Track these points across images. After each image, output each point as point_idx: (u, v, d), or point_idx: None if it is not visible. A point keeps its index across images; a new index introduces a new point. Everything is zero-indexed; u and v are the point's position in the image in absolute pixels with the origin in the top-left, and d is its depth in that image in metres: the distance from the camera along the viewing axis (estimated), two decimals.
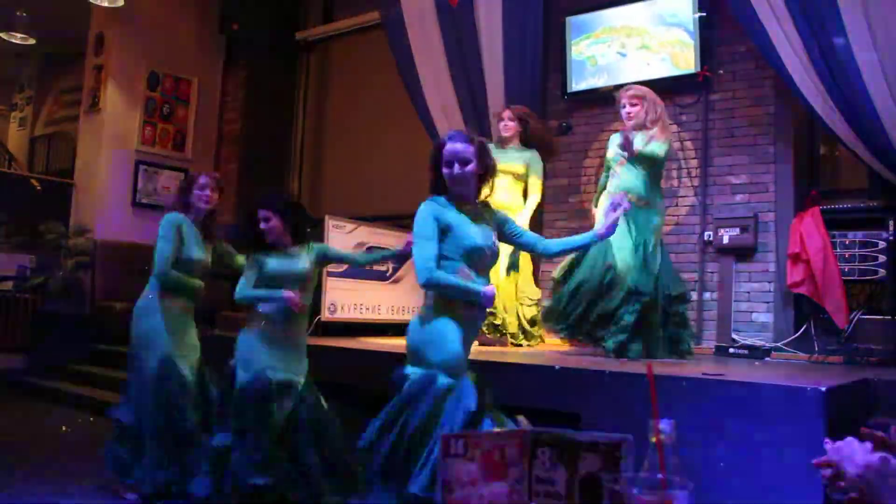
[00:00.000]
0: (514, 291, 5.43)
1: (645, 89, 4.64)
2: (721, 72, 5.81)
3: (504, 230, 3.09)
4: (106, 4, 7.78)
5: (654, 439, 1.05)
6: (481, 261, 2.94)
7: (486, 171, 3.00)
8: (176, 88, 8.68)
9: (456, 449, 1.05)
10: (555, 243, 3.22)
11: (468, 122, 6.58)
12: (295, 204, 4.17)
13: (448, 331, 2.86)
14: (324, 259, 3.96)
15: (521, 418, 2.73)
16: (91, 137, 8.37)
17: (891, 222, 5.02)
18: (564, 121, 6.51)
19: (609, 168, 4.71)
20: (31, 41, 9.86)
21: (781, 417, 3.18)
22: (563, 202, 6.56)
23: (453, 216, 2.94)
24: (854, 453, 1.30)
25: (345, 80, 8.67)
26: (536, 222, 6.59)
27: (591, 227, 6.18)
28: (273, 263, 3.71)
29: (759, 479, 3.18)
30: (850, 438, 1.33)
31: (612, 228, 3.09)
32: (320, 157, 8.85)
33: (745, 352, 5.21)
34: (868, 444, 1.31)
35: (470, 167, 2.92)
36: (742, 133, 5.70)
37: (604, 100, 6.30)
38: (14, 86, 12.84)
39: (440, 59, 6.72)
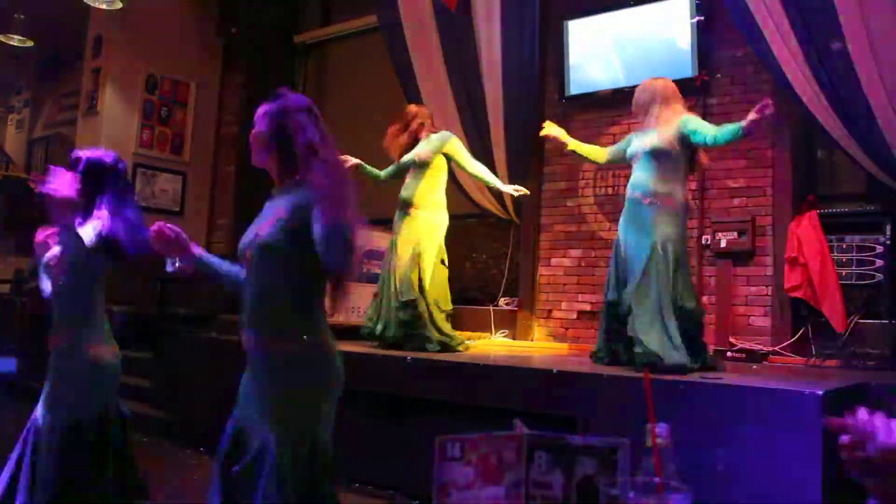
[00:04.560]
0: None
1: (639, 90, 4.60)
2: (719, 76, 5.82)
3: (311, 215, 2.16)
4: (104, 7, 7.78)
5: (650, 443, 1.05)
6: (244, 260, 2.30)
7: (283, 139, 2.26)
8: (174, 91, 8.68)
9: (452, 452, 1.04)
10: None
11: (466, 125, 6.59)
12: None
13: None
14: None
15: (517, 422, 2.68)
16: (89, 140, 8.34)
17: (888, 226, 5.03)
18: (562, 125, 6.52)
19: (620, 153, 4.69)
20: (30, 43, 9.85)
21: (779, 421, 3.19)
22: (561, 206, 6.56)
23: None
24: (879, 431, 1.10)
25: (343, 83, 8.67)
26: (535, 224, 6.60)
27: (590, 230, 6.26)
28: None
29: (756, 482, 3.18)
30: (878, 413, 1.13)
31: None
32: None
33: (743, 355, 5.22)
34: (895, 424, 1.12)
35: (255, 129, 2.32)
36: None
37: (601, 103, 6.32)
38: (12, 88, 12.83)
39: (438, 63, 6.72)
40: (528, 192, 5.58)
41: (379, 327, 5.19)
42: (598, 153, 4.88)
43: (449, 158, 5.39)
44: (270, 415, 2.14)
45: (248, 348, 2.22)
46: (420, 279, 5.14)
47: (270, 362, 2.19)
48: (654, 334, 4.06)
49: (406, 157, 5.40)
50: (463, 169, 5.50)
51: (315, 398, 2.20)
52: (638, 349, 4.06)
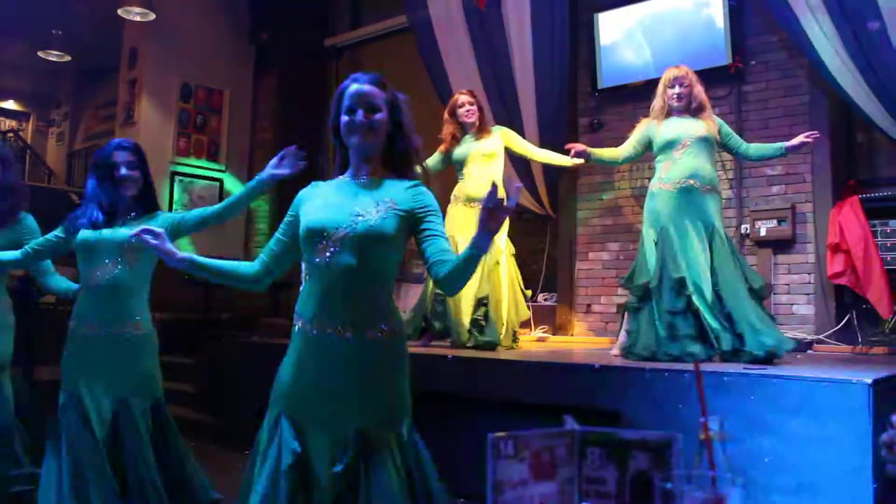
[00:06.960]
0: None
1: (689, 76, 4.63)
2: (753, 63, 5.75)
3: (418, 226, 2.15)
4: (138, 19, 7.91)
5: (703, 436, 1.05)
6: (318, 250, 2.13)
7: (400, 129, 2.28)
8: (208, 99, 8.79)
9: (506, 450, 1.05)
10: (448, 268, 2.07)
11: (499, 121, 6.58)
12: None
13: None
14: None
15: (568, 418, 2.63)
16: None
17: None
18: (595, 118, 6.49)
19: (637, 148, 4.73)
20: (67, 58, 10.07)
21: (826, 411, 3.15)
22: (597, 199, 6.53)
23: (323, 191, 2.30)
24: None
25: None
26: (572, 218, 6.59)
27: (627, 223, 6.22)
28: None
29: (804, 473, 3.14)
30: None
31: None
32: None
33: None
34: None
35: (379, 115, 2.22)
36: (777, 124, 5.63)
37: (635, 95, 6.27)
38: (51, 102, 13.10)
39: (469, 61, 6.73)
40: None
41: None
42: (613, 153, 4.90)
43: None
44: (377, 406, 2.18)
45: (340, 337, 2.10)
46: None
47: (372, 351, 2.13)
48: (764, 325, 4.10)
49: (479, 151, 5.24)
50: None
51: (406, 385, 2.28)
52: (753, 340, 4.01)
